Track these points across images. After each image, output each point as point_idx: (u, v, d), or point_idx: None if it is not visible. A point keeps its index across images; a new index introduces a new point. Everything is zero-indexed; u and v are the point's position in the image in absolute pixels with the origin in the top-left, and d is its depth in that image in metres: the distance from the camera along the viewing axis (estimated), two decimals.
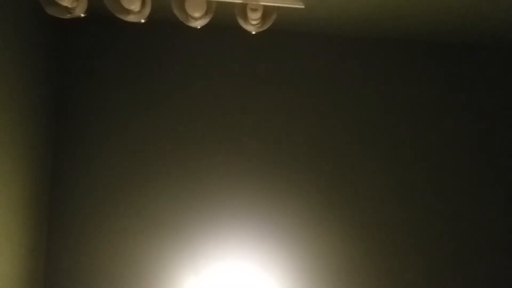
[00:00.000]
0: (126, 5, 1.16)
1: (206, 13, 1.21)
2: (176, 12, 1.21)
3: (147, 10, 1.21)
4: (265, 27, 1.28)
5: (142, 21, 1.23)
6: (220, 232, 1.71)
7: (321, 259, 1.73)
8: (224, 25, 1.61)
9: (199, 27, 1.26)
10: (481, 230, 1.79)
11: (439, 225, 1.78)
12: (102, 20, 1.63)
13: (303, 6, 1.24)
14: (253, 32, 1.31)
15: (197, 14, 1.20)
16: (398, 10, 1.57)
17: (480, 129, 1.84)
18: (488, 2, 1.47)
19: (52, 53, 1.66)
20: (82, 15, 1.19)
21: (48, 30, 1.61)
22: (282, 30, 1.74)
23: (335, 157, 1.78)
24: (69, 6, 1.15)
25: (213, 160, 1.73)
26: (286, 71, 1.79)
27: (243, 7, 1.22)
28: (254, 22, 1.25)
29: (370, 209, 1.77)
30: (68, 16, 1.18)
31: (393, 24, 1.70)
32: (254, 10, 1.19)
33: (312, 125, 1.78)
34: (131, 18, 1.21)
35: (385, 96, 1.82)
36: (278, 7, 1.23)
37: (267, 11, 1.24)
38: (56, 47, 1.68)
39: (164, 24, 1.65)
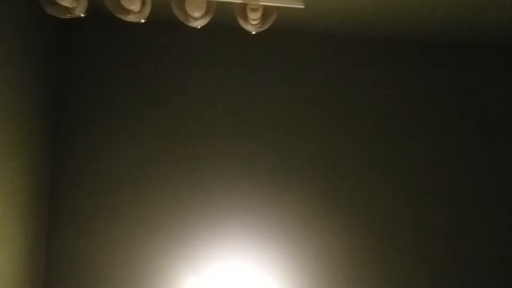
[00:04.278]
0: (126, 5, 1.16)
1: (206, 13, 1.21)
2: (176, 12, 1.21)
3: (147, 10, 1.21)
4: (265, 27, 1.28)
5: (142, 21, 1.23)
6: (220, 232, 1.71)
7: (321, 259, 1.73)
8: (224, 25, 1.61)
9: (199, 27, 1.26)
10: (484, 230, 1.79)
11: (441, 225, 1.78)
12: (102, 20, 1.63)
13: (303, 6, 1.24)
14: (253, 32, 1.31)
15: (197, 14, 1.20)
16: (398, 10, 1.57)
17: (481, 129, 1.83)
18: (488, 2, 1.47)
19: (52, 53, 1.66)
20: (82, 15, 1.19)
21: (48, 30, 1.61)
22: (282, 30, 1.74)
23: (335, 157, 1.78)
24: (69, 6, 1.15)
25: (213, 159, 1.73)
26: (286, 71, 1.79)
27: (243, 7, 1.22)
28: (254, 22, 1.25)
29: (371, 210, 1.77)
30: (68, 16, 1.18)
31: (393, 24, 1.70)
32: (254, 10, 1.19)
33: (312, 125, 1.78)
34: (131, 18, 1.21)
35: (385, 96, 1.82)
36: (278, 7, 1.23)
37: (267, 11, 1.24)
38: (56, 47, 1.68)
39: (164, 24, 1.65)
